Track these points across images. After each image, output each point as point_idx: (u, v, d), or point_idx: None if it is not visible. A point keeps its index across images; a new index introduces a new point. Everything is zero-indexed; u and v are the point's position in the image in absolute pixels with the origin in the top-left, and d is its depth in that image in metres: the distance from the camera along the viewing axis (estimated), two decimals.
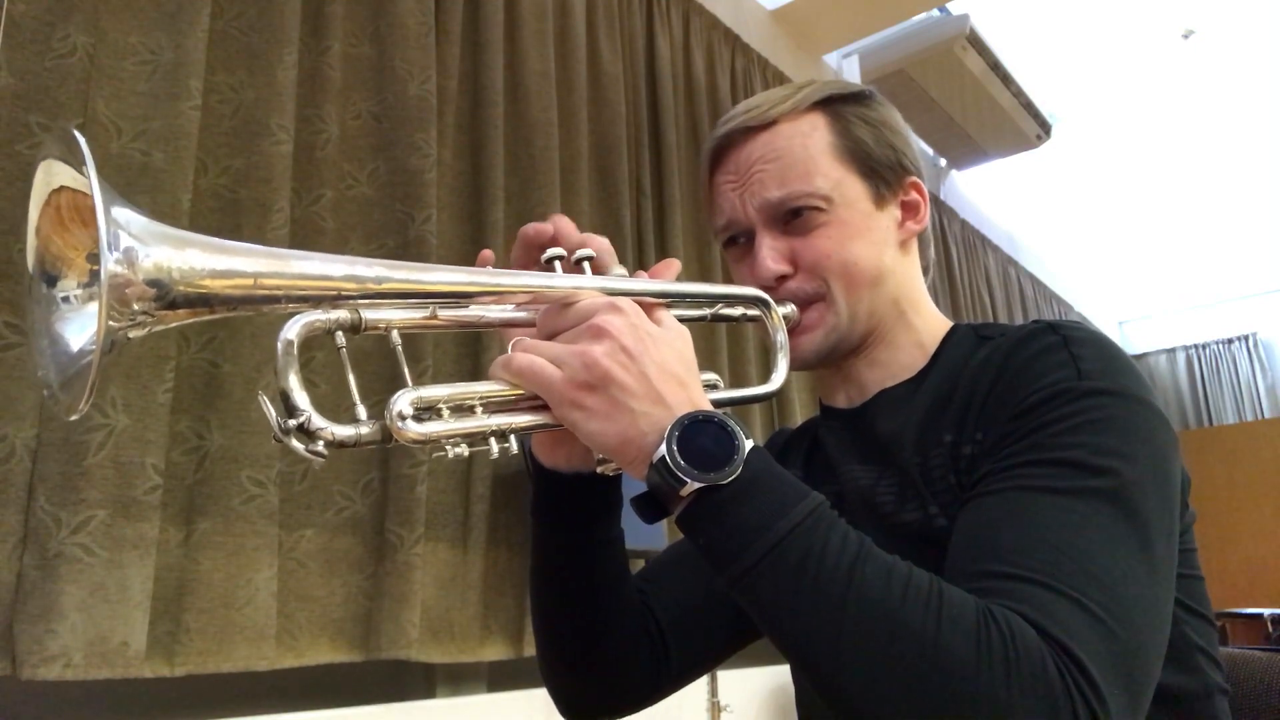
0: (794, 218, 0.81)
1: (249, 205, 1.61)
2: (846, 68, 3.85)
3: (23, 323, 1.32)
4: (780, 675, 2.61)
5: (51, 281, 0.53)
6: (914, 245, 0.88)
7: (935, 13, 3.71)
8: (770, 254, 0.81)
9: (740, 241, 0.86)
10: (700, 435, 0.59)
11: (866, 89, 0.88)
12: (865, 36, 3.74)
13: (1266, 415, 6.76)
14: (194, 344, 1.54)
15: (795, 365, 0.83)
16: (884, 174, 0.84)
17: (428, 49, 1.95)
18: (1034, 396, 0.66)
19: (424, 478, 1.74)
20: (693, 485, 0.58)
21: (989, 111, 4.15)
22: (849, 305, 0.81)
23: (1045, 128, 4.37)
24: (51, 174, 0.53)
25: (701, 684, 2.18)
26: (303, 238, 1.71)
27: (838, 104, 0.84)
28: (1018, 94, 4.10)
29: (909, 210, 0.86)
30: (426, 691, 1.86)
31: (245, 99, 1.66)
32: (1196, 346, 7.25)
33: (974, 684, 0.51)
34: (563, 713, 0.85)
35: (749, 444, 0.60)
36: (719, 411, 0.61)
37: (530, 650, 1.84)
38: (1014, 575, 0.57)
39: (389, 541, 1.69)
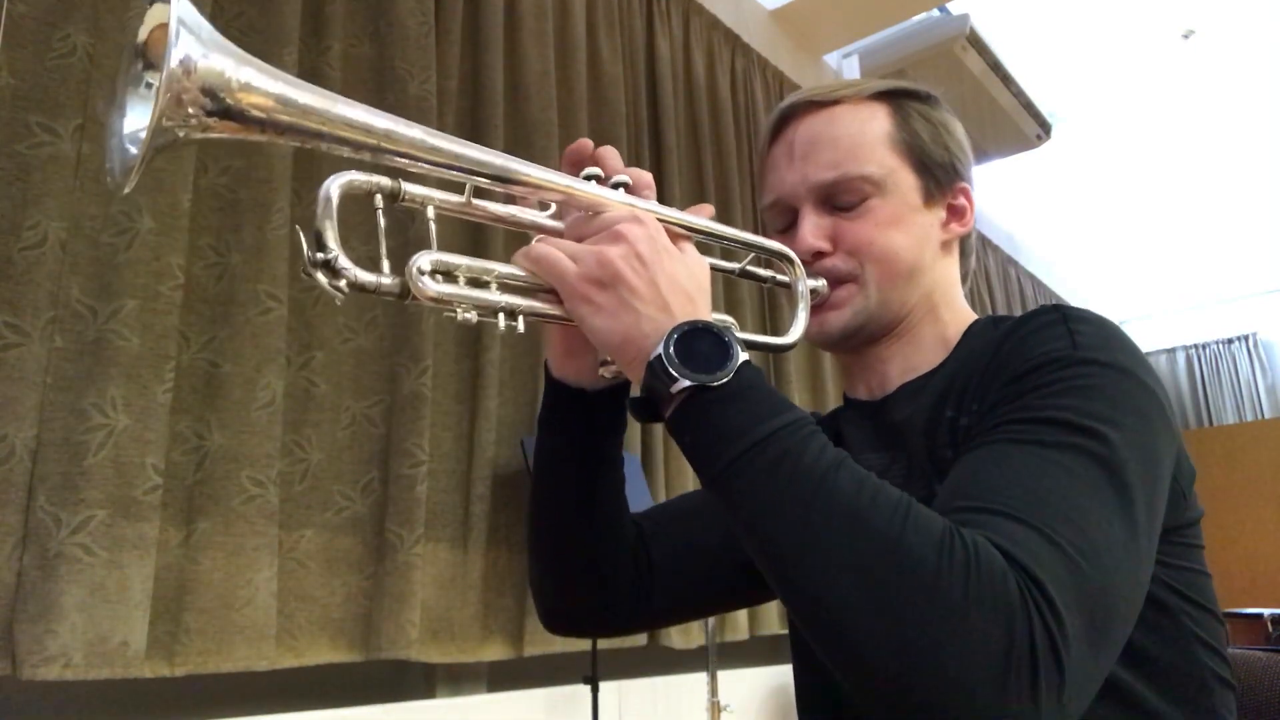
0: (841, 198, 0.82)
1: (249, 205, 1.61)
2: (846, 68, 3.85)
3: (23, 322, 1.33)
4: (780, 675, 2.61)
5: (145, 65, 0.57)
6: (955, 248, 0.88)
7: (935, 13, 3.70)
8: (812, 229, 0.82)
9: (786, 216, 0.87)
10: (698, 341, 0.61)
11: (933, 92, 0.88)
12: (865, 36, 3.74)
13: (1266, 415, 6.76)
14: (194, 344, 1.54)
15: (818, 342, 0.84)
16: (936, 173, 0.84)
17: (428, 49, 1.95)
18: (1027, 364, 0.67)
19: (424, 478, 1.74)
20: (683, 384, 0.60)
21: (989, 111, 4.14)
22: (880, 292, 0.82)
23: (1045, 128, 4.36)
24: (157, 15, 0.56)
25: (701, 684, 2.18)
26: None
27: (902, 98, 0.86)
28: (1018, 94, 4.09)
29: (955, 214, 0.86)
30: (426, 691, 1.86)
31: None
32: (1196, 346, 7.25)
33: (932, 587, 0.50)
34: (541, 620, 0.87)
35: (744, 356, 0.61)
36: (721, 325, 0.63)
37: (530, 650, 1.84)
38: (987, 509, 0.57)
39: (389, 541, 1.69)
